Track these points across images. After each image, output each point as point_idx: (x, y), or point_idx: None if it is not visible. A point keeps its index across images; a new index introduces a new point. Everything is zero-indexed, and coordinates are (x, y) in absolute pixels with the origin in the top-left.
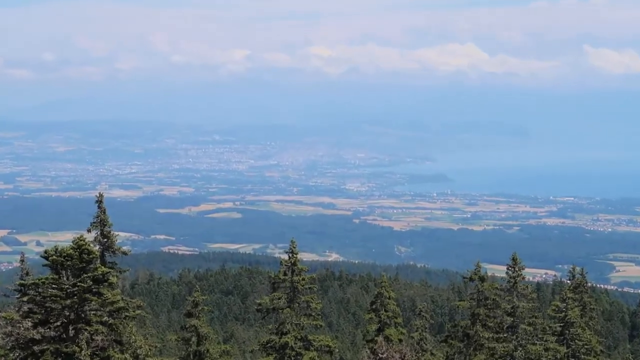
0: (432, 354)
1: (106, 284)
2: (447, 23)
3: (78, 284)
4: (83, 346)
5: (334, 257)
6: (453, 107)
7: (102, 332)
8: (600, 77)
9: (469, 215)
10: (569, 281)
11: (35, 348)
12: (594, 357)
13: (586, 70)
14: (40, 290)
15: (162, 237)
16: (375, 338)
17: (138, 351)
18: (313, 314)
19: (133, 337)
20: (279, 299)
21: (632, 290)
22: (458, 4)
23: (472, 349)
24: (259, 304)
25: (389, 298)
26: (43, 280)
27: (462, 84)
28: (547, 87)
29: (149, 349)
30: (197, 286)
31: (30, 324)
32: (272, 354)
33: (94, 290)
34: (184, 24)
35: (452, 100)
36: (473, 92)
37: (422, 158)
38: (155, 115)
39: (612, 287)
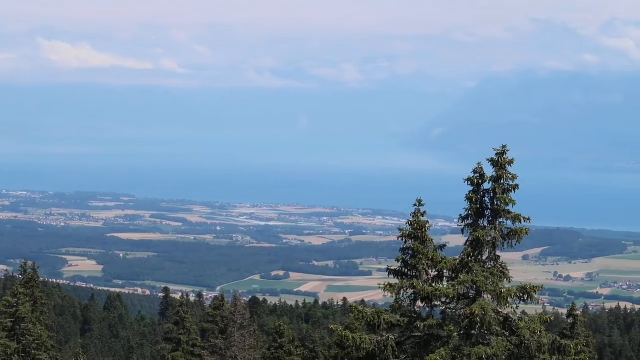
0: None
1: None
2: None
3: None
4: None
5: None
6: None
7: None
8: (54, 70)
9: None
10: (20, 276)
11: None
12: (45, 352)
13: (41, 63)
14: None
15: None
16: None
17: None
18: None
19: None
20: None
21: (84, 285)
22: None
23: None
24: None
25: None
26: None
27: None
28: (4, 80)
29: None
30: None
31: None
32: None
33: None
34: None
35: None
36: None
37: None
38: None
39: (65, 281)
